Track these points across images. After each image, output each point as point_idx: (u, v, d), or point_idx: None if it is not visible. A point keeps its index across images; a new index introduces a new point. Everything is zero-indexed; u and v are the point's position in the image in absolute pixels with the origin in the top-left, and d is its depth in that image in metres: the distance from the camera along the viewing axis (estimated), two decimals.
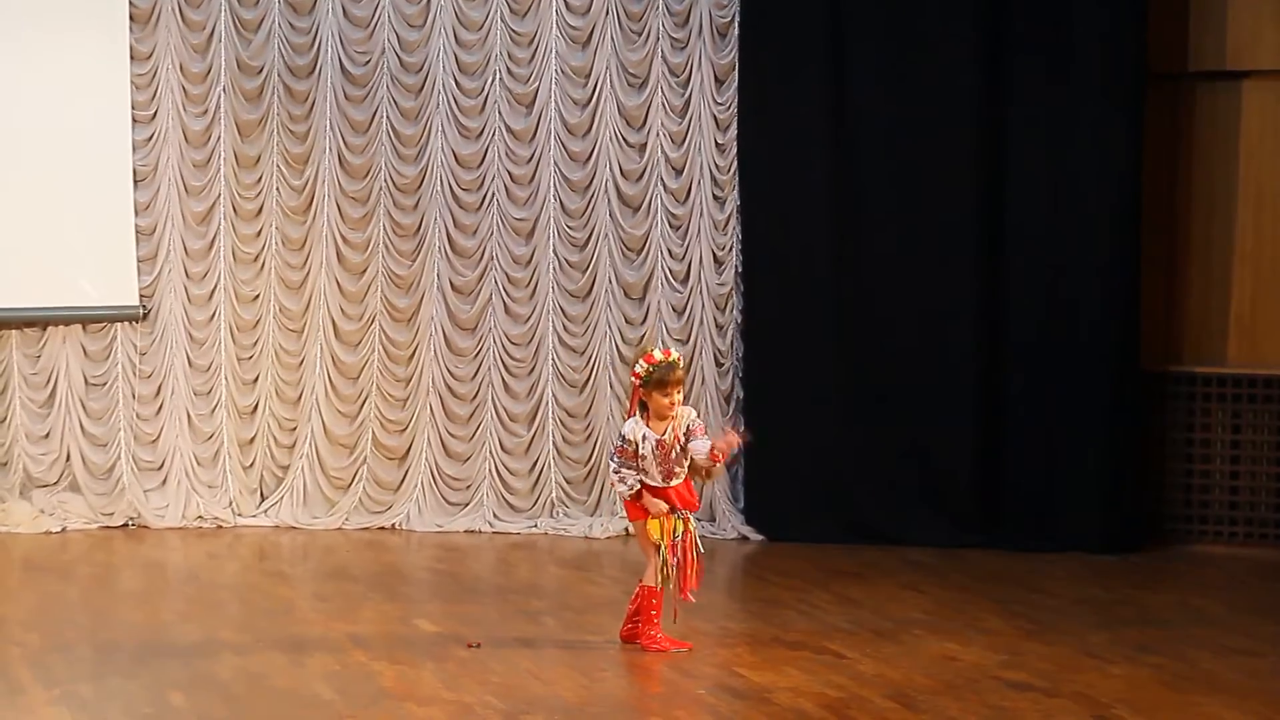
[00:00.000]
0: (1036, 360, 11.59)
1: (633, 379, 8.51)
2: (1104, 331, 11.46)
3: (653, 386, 8.39)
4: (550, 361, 12.15)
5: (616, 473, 8.50)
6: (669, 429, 8.45)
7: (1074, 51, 11.49)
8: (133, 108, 12.00)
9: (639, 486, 8.47)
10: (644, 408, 8.49)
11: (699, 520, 8.96)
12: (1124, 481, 11.49)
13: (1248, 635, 9.13)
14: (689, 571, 8.49)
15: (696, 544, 8.54)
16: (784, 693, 7.78)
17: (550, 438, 12.13)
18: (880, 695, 7.75)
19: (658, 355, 8.42)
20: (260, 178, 12.18)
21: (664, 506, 8.47)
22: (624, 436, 8.48)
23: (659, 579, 8.49)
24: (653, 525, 8.48)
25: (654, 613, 8.52)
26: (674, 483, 8.52)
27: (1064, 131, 11.53)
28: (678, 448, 8.45)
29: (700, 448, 8.42)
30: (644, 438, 8.45)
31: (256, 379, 12.22)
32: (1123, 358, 11.48)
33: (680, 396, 8.49)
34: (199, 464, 12.13)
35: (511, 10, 12.12)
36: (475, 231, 12.18)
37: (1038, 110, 11.57)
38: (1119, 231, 11.46)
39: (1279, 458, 11.59)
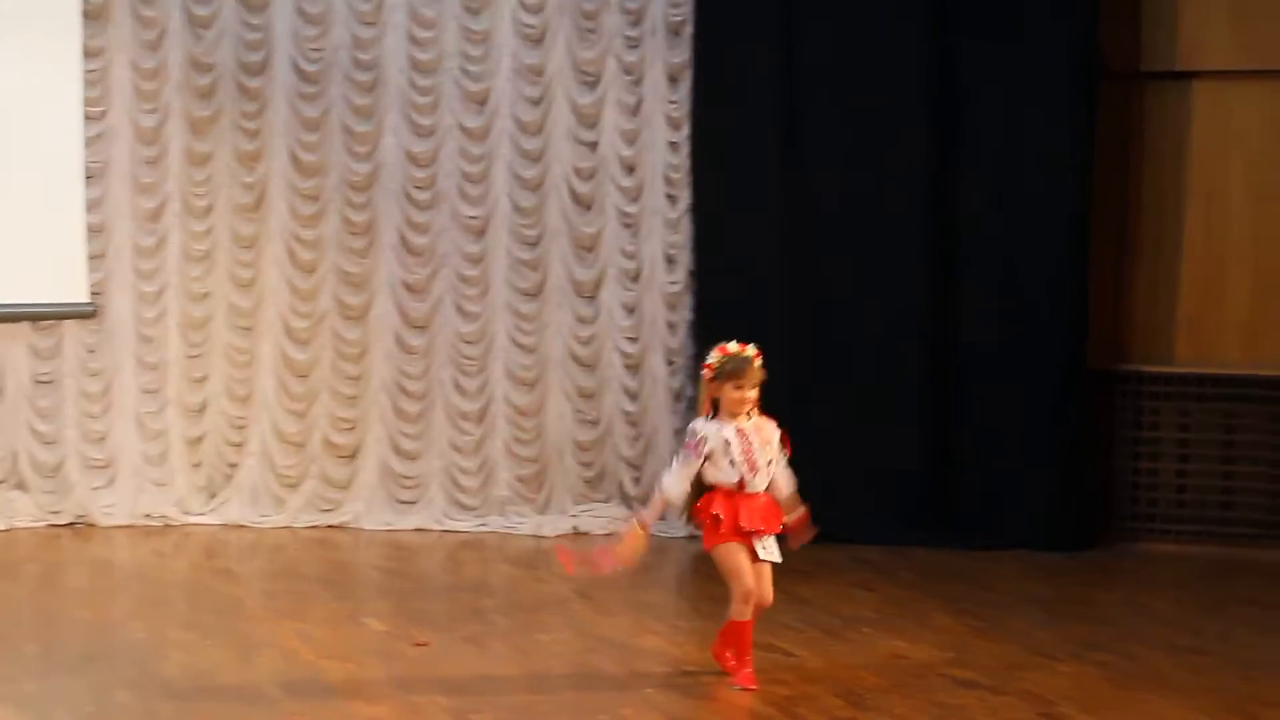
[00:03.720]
0: (985, 358, 11.62)
1: (704, 371, 7.92)
2: (1053, 330, 11.50)
3: (725, 378, 7.78)
4: (501, 360, 12.12)
5: (670, 467, 7.89)
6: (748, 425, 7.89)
7: (1025, 52, 11.52)
8: (84, 104, 11.93)
9: (685, 489, 7.87)
10: (715, 408, 7.89)
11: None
12: (1072, 479, 11.53)
13: (1195, 633, 9.18)
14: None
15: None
16: (733, 691, 7.79)
17: (501, 436, 12.11)
18: (829, 693, 7.77)
19: (732, 347, 7.88)
20: (211, 175, 12.12)
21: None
22: (693, 430, 7.86)
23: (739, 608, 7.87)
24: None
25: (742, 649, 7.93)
26: (758, 484, 7.91)
27: (1015, 131, 11.55)
28: (759, 446, 7.88)
29: (784, 484, 8.01)
30: (718, 432, 7.81)
31: (206, 377, 12.16)
32: (1071, 356, 11.52)
33: (754, 394, 7.87)
34: (148, 462, 12.06)
35: (466, 8, 12.09)
36: (428, 229, 12.15)
37: (989, 109, 11.61)
38: (1069, 230, 11.50)
39: (1227, 456, 11.63)
